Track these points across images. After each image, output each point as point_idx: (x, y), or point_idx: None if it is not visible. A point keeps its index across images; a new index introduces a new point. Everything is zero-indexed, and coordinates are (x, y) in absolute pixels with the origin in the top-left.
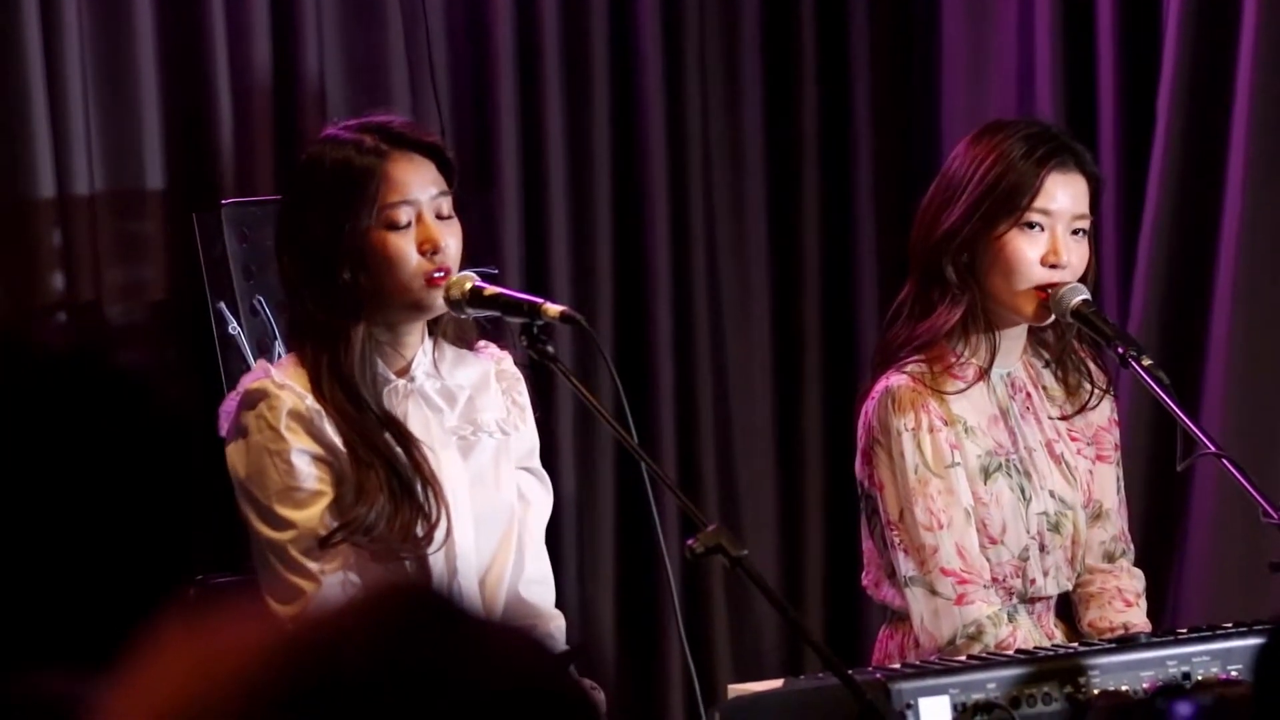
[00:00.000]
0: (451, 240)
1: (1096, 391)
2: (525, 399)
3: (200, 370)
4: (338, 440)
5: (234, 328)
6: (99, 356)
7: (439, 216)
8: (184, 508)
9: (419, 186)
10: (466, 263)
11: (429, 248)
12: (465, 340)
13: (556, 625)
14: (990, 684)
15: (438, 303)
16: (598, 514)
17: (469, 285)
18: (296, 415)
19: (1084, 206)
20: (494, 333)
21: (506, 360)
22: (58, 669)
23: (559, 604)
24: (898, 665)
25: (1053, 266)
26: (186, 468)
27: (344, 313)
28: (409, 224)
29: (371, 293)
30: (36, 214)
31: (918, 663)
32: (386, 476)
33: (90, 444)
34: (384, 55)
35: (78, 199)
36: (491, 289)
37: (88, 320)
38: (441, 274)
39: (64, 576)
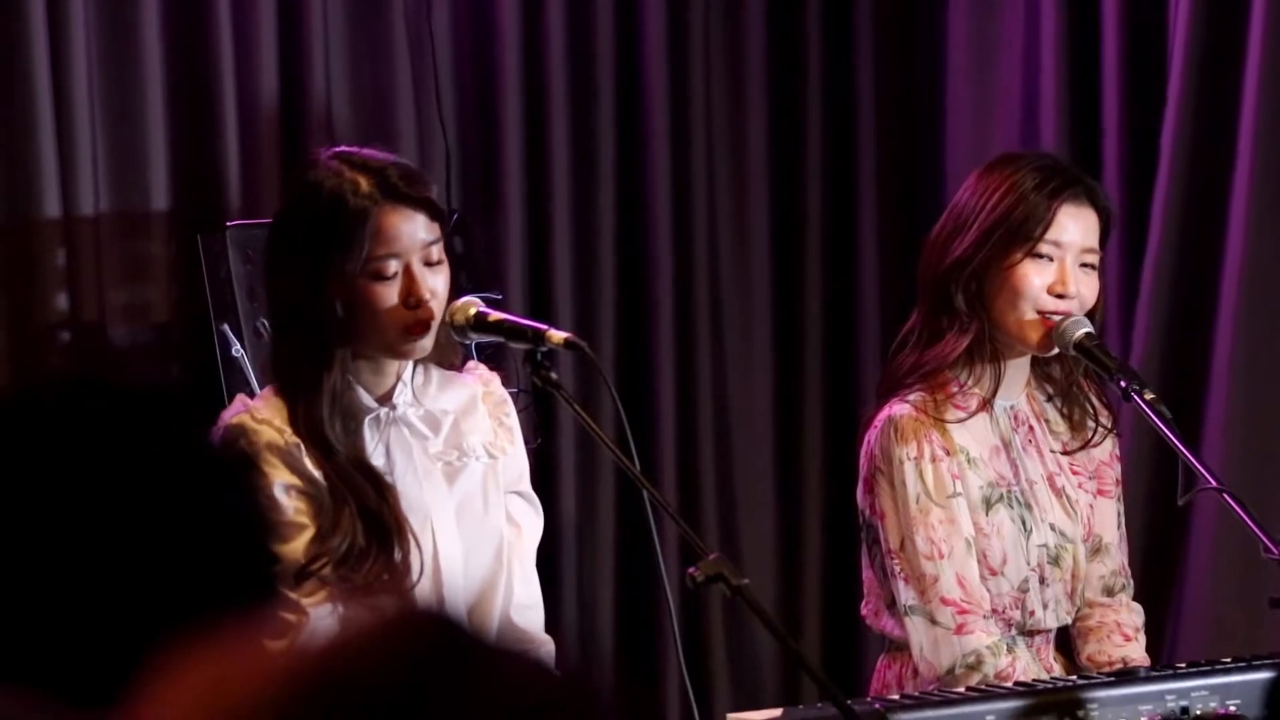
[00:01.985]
0: (439, 284)
1: (1101, 429)
2: (513, 421)
3: (204, 392)
4: (318, 473)
5: (238, 350)
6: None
7: (428, 263)
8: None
9: (408, 237)
10: (471, 289)
11: (413, 301)
12: (449, 363)
13: (546, 650)
14: (989, 716)
15: (413, 351)
16: (598, 539)
17: (473, 311)
18: (275, 449)
19: (1094, 240)
20: (494, 356)
21: (495, 382)
22: (61, 701)
23: (557, 629)
24: (896, 695)
25: (1060, 296)
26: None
27: (320, 358)
28: (395, 274)
29: (352, 331)
30: (41, 234)
31: (916, 693)
32: (359, 518)
33: (92, 465)
34: (390, 81)
35: (83, 220)
36: (495, 315)
37: (91, 341)
38: (421, 325)
39: (66, 600)
